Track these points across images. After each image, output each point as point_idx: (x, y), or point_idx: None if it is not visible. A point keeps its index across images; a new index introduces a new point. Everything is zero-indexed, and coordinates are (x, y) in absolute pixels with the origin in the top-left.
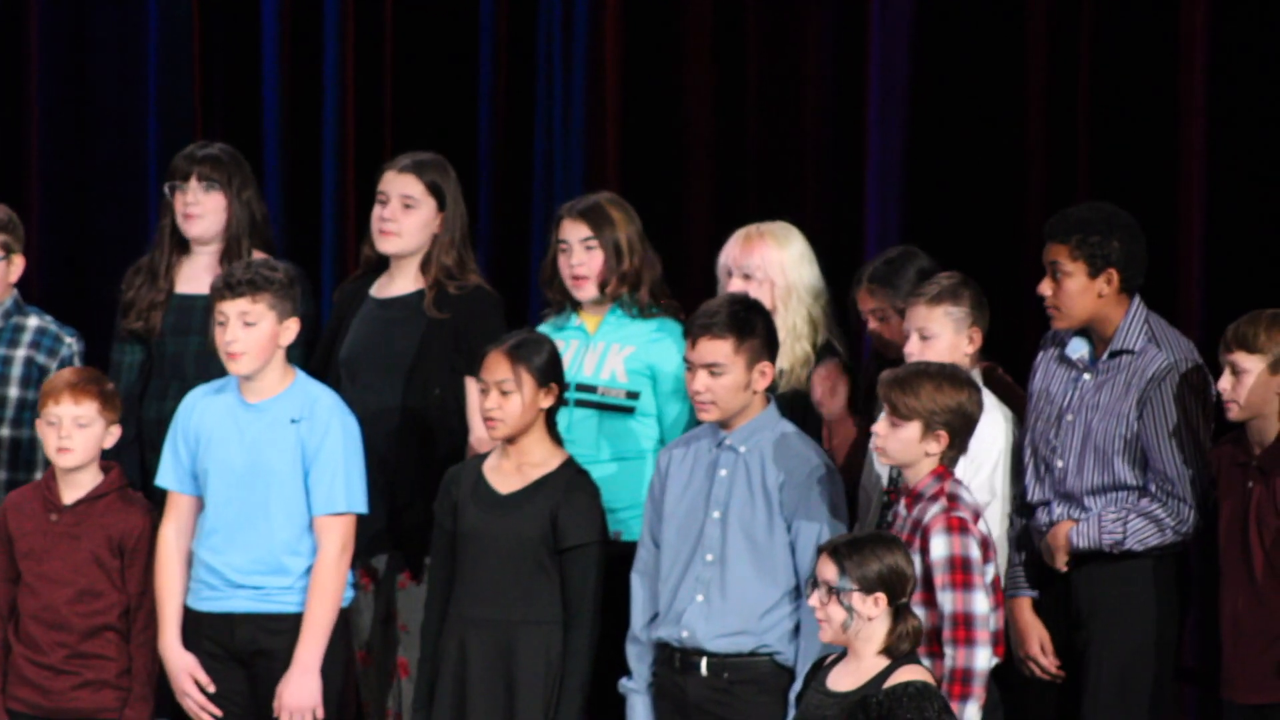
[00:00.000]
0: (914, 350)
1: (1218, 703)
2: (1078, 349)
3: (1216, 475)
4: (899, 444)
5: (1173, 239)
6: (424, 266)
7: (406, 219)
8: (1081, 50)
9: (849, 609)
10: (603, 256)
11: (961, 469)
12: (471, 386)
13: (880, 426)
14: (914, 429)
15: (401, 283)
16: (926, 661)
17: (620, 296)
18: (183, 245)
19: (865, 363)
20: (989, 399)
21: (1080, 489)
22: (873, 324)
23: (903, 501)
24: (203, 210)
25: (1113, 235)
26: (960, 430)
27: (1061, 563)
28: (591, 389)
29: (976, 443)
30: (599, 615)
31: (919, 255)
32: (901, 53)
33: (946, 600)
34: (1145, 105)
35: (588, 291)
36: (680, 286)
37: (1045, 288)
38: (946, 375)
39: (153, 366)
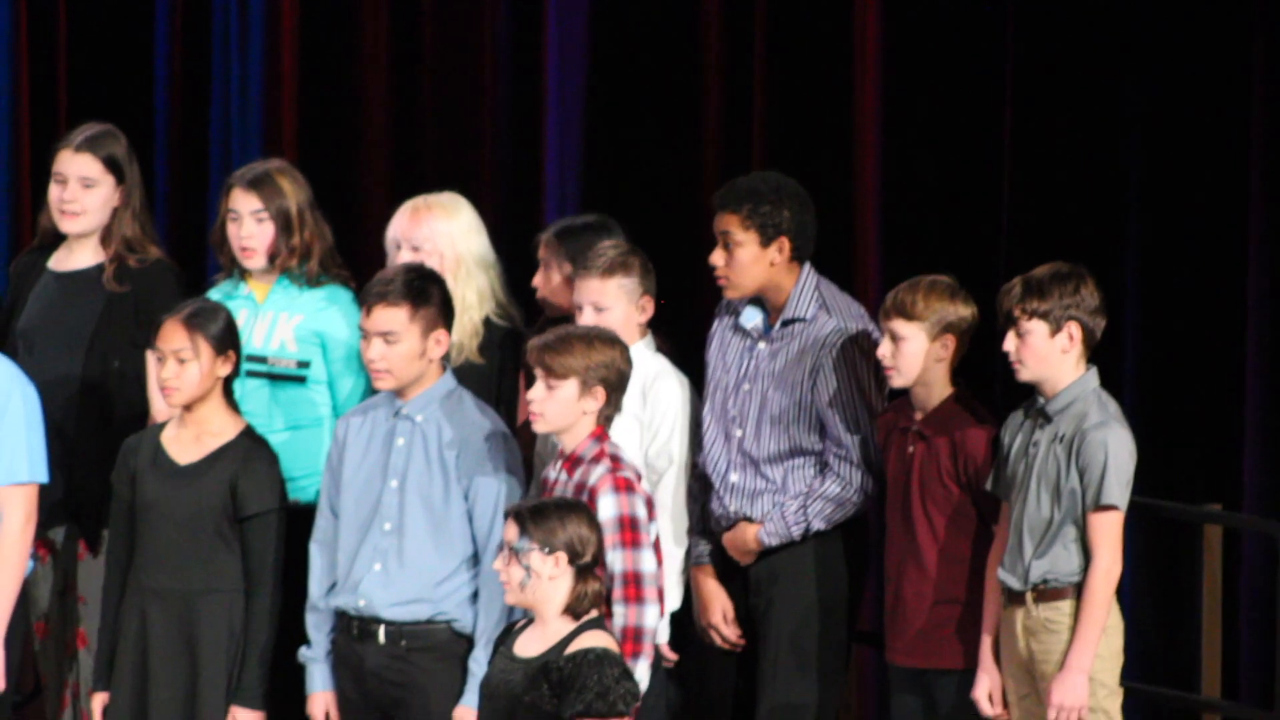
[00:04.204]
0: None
1: None
2: (751, 318)
3: (881, 441)
4: (557, 405)
5: (849, 206)
6: (104, 239)
7: (87, 198)
8: (757, 20)
9: (527, 568)
10: (273, 229)
11: (637, 435)
12: (151, 360)
13: (536, 392)
14: (571, 387)
15: (81, 256)
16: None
17: (289, 267)
18: None
19: (536, 329)
20: (664, 365)
21: (760, 456)
22: (539, 278)
23: (561, 466)
24: None
25: (783, 204)
26: (615, 386)
27: (750, 560)
28: (261, 359)
29: (653, 409)
30: (280, 583)
31: (614, 229)
32: (580, 18)
33: (616, 560)
34: (820, 72)
35: (256, 262)
36: (355, 255)
37: (717, 258)
38: (595, 334)
39: None
